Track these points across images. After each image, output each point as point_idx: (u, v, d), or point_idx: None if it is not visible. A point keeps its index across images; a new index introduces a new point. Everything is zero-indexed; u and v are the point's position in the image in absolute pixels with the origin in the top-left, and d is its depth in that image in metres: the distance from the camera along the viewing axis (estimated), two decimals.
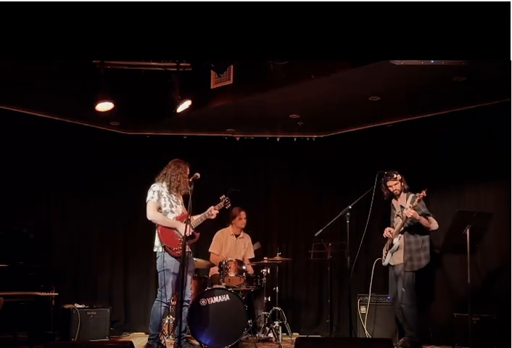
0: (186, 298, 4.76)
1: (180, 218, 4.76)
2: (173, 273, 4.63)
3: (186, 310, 4.77)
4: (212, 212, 4.87)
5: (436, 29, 3.16)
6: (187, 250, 4.78)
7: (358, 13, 3.15)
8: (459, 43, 3.19)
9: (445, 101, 5.71)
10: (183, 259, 4.41)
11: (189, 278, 4.84)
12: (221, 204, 4.93)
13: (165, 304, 4.65)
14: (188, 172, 4.86)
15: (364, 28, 3.21)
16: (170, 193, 4.82)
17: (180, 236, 4.64)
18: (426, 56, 3.74)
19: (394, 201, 5.32)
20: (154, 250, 4.80)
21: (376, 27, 3.19)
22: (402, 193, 5.21)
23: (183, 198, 4.97)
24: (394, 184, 5.19)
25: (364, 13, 3.14)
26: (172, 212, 4.78)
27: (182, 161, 4.97)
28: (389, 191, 5.22)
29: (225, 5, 3.14)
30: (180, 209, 4.85)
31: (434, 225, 5.07)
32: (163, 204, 4.78)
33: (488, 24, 3.08)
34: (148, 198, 4.77)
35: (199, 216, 4.87)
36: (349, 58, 4.54)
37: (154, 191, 4.77)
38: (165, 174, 4.87)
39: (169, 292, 4.65)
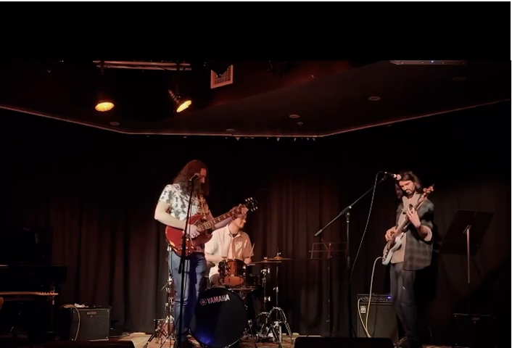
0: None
1: (193, 218, 4.70)
2: (185, 273, 4.50)
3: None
4: (239, 210, 4.74)
5: (436, 29, 3.16)
6: (199, 251, 4.74)
7: (358, 13, 3.15)
8: (459, 43, 3.19)
9: (445, 101, 5.70)
10: (182, 259, 4.37)
11: (199, 278, 4.78)
12: (245, 206, 4.76)
13: (183, 303, 4.56)
14: (202, 173, 4.80)
15: (364, 28, 3.21)
16: (184, 193, 4.78)
17: (188, 236, 4.60)
18: (426, 56, 3.74)
19: (404, 198, 5.30)
20: (167, 249, 4.81)
21: (376, 27, 3.19)
22: (416, 193, 5.18)
23: (207, 198, 4.97)
24: (406, 184, 5.17)
25: (364, 13, 3.14)
26: (183, 212, 4.72)
27: (198, 161, 4.91)
28: (402, 190, 5.22)
29: (225, 5, 3.14)
30: (195, 209, 4.78)
31: (428, 237, 5.05)
32: (174, 204, 4.76)
33: (488, 24, 3.08)
34: (159, 198, 4.78)
35: (214, 217, 4.83)
36: (349, 58, 4.55)
37: (165, 192, 4.78)
38: (180, 174, 4.86)
39: (186, 291, 4.54)
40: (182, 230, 4.61)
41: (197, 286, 4.79)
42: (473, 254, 4.81)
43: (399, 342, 5.20)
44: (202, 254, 4.88)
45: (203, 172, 4.83)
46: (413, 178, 5.16)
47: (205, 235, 4.77)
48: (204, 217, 4.84)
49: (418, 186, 5.15)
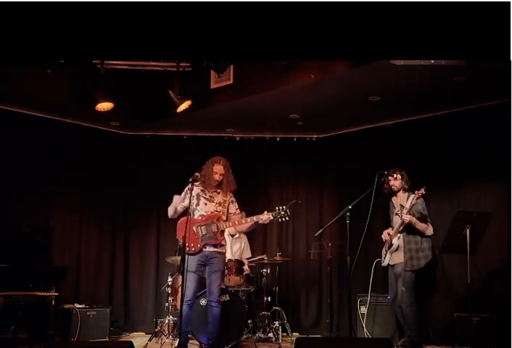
0: (210, 298, 4.63)
1: (209, 217, 4.60)
2: (189, 271, 4.46)
3: (216, 311, 4.59)
4: (263, 217, 4.55)
5: (436, 29, 3.16)
6: (209, 250, 4.59)
7: (358, 13, 3.15)
8: (459, 43, 3.19)
9: (445, 101, 5.70)
10: (182, 259, 4.37)
11: (214, 276, 4.62)
12: (272, 214, 4.54)
13: (186, 303, 4.45)
14: (216, 170, 4.63)
15: (364, 28, 3.21)
16: (203, 190, 4.69)
17: (201, 233, 4.53)
18: (426, 56, 3.75)
19: (394, 198, 5.30)
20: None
21: (376, 27, 3.20)
22: (403, 192, 5.19)
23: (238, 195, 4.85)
24: (395, 179, 5.18)
25: (364, 13, 3.15)
26: (198, 210, 4.67)
27: (214, 158, 4.72)
28: (389, 186, 5.23)
29: (225, 5, 3.14)
30: (212, 207, 4.65)
31: (429, 231, 5.05)
32: (192, 203, 4.60)
33: (488, 24, 3.08)
34: None
35: (237, 218, 4.67)
36: (349, 58, 4.55)
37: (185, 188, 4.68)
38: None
39: (188, 291, 4.45)
40: (197, 227, 4.56)
41: (214, 285, 4.60)
42: (473, 254, 4.81)
43: (399, 342, 5.20)
44: (216, 252, 4.62)
45: (216, 168, 4.65)
46: (403, 177, 5.18)
47: (215, 236, 4.58)
48: (224, 217, 4.66)
49: (406, 186, 5.16)
